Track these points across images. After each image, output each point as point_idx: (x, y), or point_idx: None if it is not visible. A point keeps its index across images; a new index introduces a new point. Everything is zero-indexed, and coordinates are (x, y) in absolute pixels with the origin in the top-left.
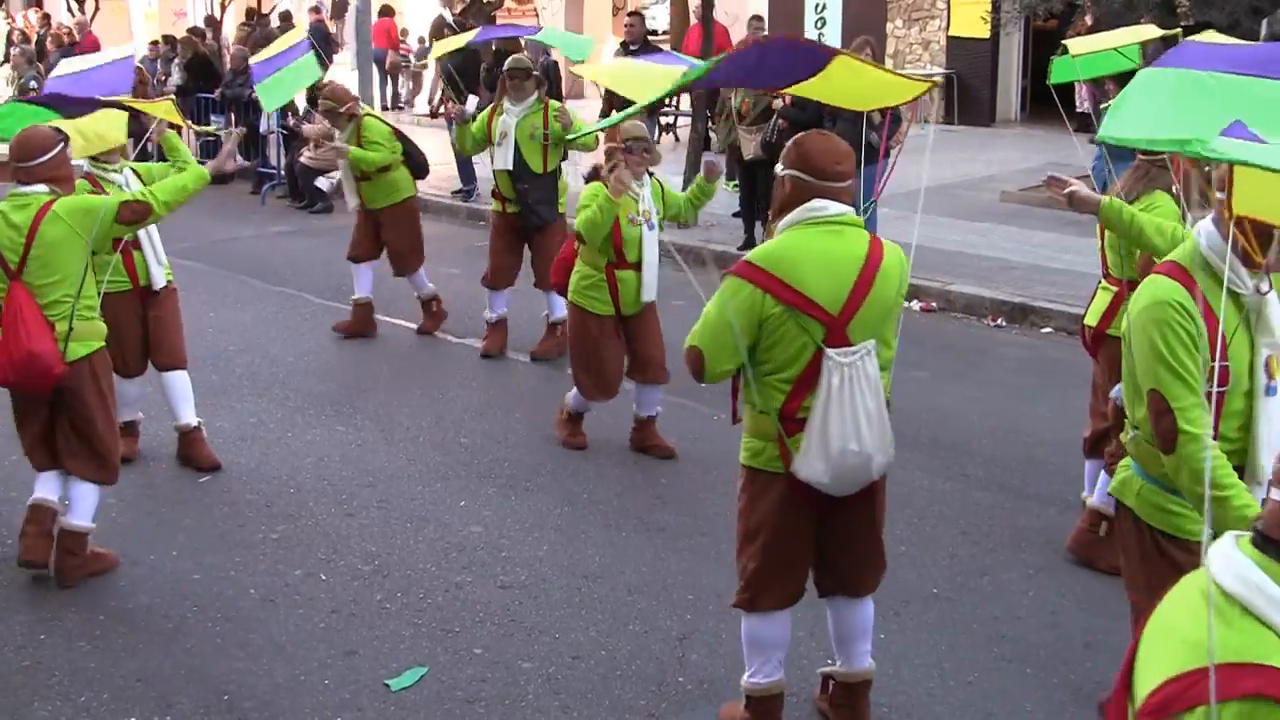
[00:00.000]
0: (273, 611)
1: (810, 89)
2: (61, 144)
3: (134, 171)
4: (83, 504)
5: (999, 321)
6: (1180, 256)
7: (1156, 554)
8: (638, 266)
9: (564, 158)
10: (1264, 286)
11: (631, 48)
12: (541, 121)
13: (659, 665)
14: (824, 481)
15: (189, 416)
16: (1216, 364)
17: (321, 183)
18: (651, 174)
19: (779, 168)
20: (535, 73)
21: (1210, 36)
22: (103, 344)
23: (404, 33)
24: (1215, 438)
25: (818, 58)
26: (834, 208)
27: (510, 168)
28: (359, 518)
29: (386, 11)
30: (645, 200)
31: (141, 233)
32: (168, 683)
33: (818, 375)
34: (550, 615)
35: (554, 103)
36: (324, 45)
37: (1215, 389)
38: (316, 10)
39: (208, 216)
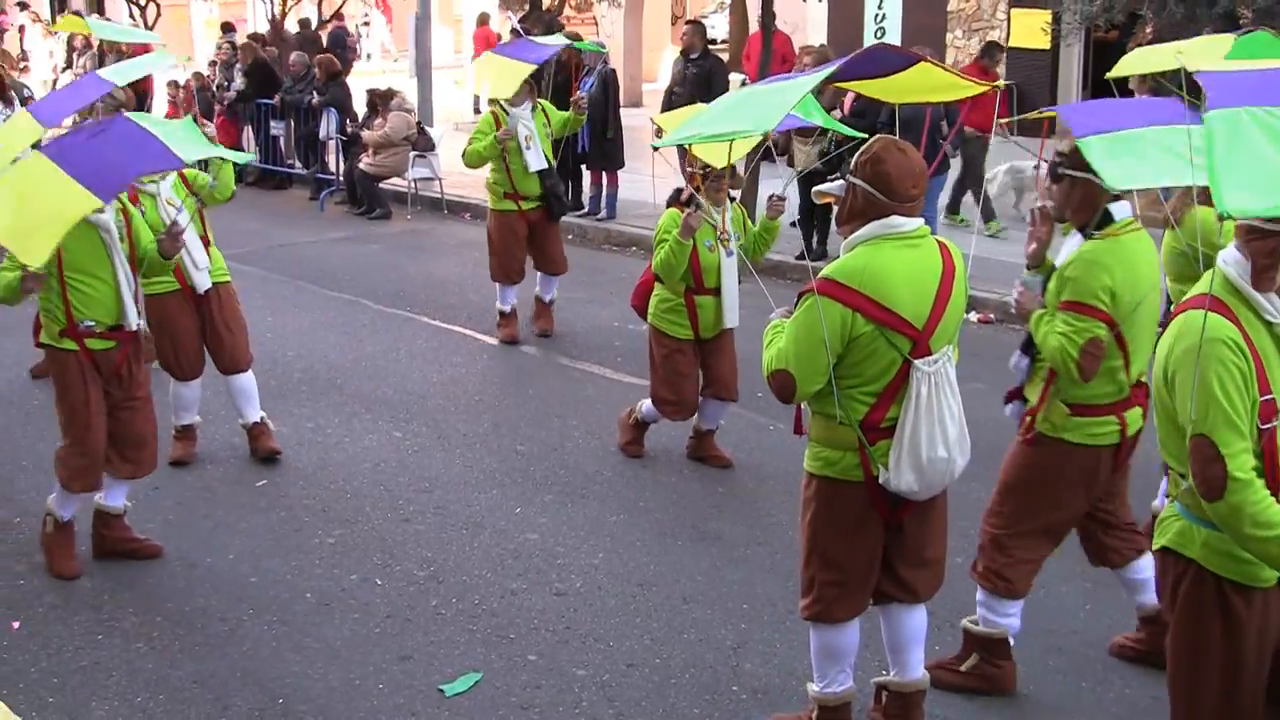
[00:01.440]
0: (328, 616)
1: (878, 86)
2: None
3: (182, 178)
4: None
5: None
6: (1214, 289)
7: (1217, 607)
8: (716, 292)
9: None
10: None
11: (691, 56)
12: (544, 119)
13: (713, 674)
14: (915, 490)
15: (254, 413)
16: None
17: None
18: (733, 199)
19: (851, 175)
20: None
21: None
22: (54, 345)
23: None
24: (1271, 472)
25: (906, 59)
26: (910, 224)
27: (545, 166)
28: (415, 523)
29: (483, 20)
30: (725, 225)
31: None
32: (224, 685)
33: (903, 386)
34: (605, 623)
35: (542, 100)
36: (341, 51)
37: (1264, 425)
38: (339, 17)
39: (266, 222)
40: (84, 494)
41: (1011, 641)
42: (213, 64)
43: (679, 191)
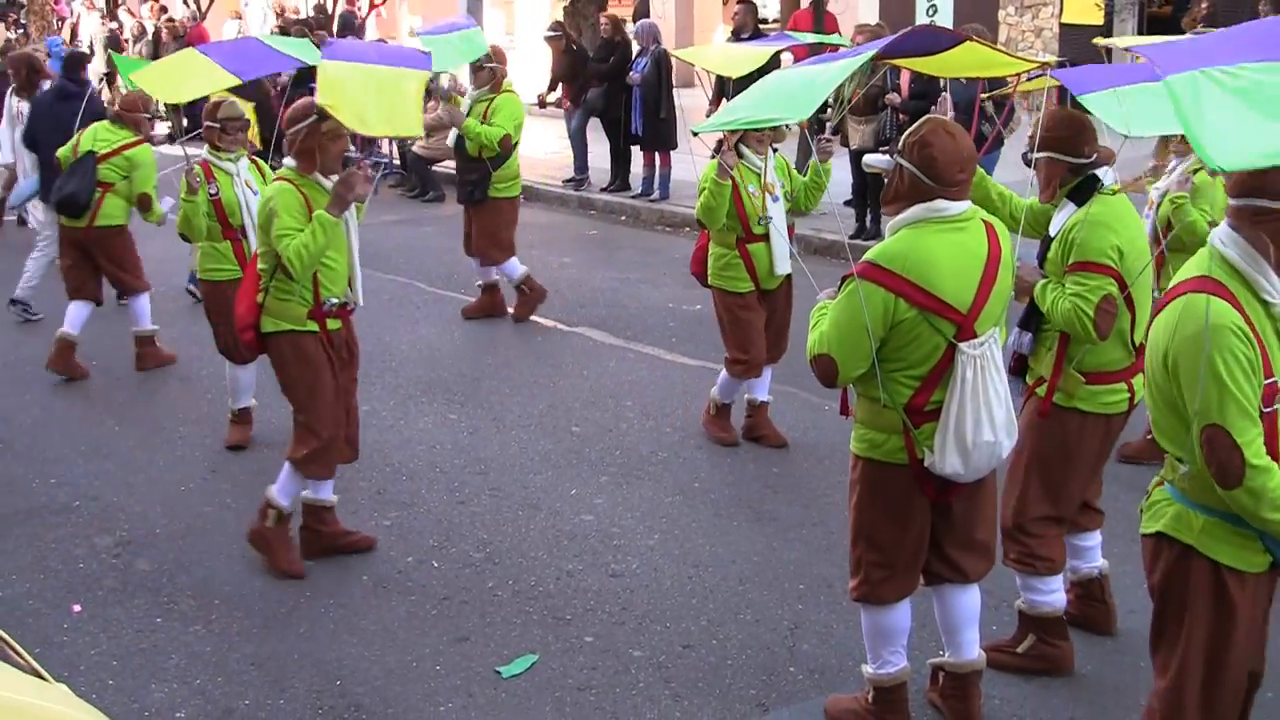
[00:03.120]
0: (385, 598)
1: (929, 63)
2: (310, 118)
3: (254, 163)
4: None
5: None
6: (1213, 270)
7: (1213, 592)
8: (766, 239)
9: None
10: None
11: (742, 36)
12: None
13: (770, 655)
14: (960, 473)
15: None
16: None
17: None
18: (776, 149)
19: (899, 155)
20: (489, 65)
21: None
22: (296, 328)
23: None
24: (1274, 455)
25: (952, 39)
26: (956, 207)
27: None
28: (471, 505)
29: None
30: (769, 174)
31: (246, 221)
32: (281, 667)
33: (948, 369)
34: (661, 604)
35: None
36: (349, 34)
37: (1266, 409)
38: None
39: None
40: (315, 479)
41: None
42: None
43: (720, 144)
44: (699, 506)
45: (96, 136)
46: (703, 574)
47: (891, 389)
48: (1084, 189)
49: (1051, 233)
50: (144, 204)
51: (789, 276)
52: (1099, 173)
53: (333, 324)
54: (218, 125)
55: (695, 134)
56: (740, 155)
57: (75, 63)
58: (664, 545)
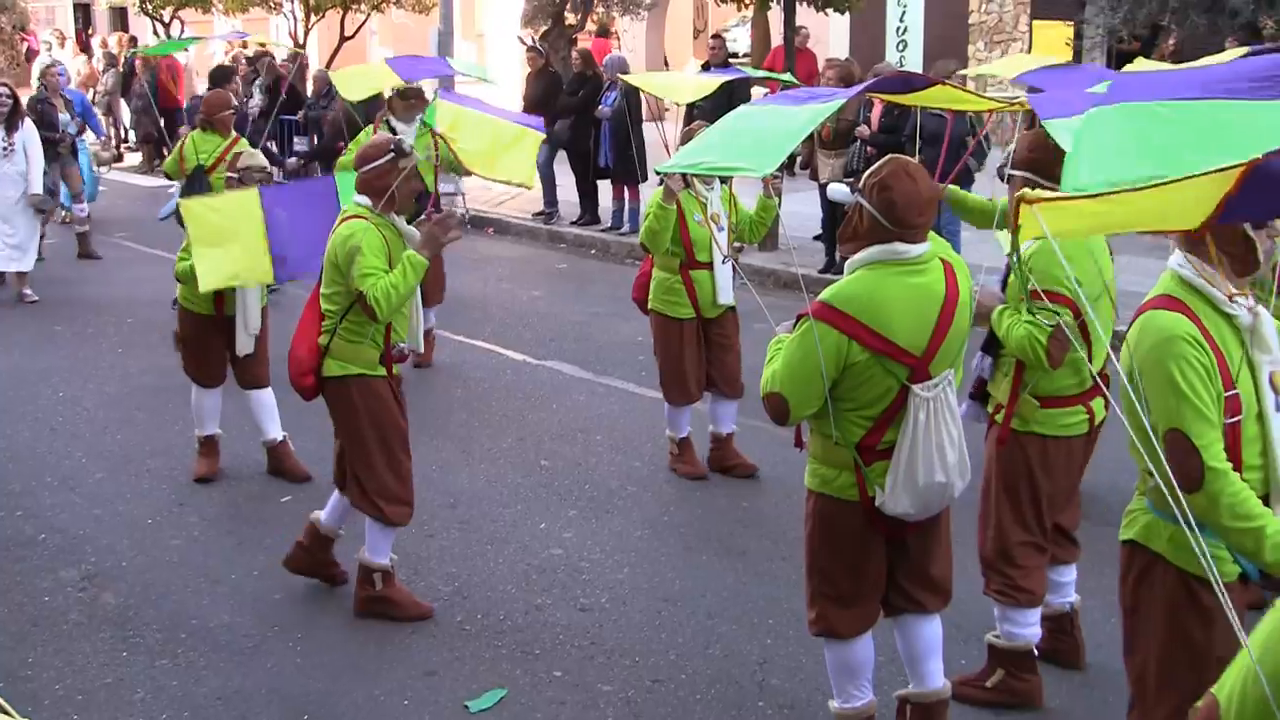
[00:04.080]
0: (353, 632)
1: (904, 97)
2: (388, 155)
3: None
4: (367, 534)
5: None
6: (1171, 290)
7: (1186, 601)
8: (710, 266)
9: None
10: (1253, 305)
11: (712, 70)
12: (431, 144)
13: (739, 690)
14: (910, 513)
15: (275, 431)
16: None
17: None
18: (725, 181)
19: (859, 194)
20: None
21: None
22: (367, 373)
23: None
24: (1238, 468)
25: (926, 81)
26: (913, 249)
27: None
28: (440, 538)
29: (603, 32)
30: (714, 204)
31: (238, 297)
32: (248, 702)
33: (900, 410)
34: (630, 638)
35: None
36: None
37: (1229, 420)
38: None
39: None
40: (400, 525)
41: (1036, 653)
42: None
43: (684, 176)
44: (668, 540)
45: (197, 149)
46: (672, 608)
47: (844, 427)
48: None
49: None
50: None
51: (734, 308)
52: None
53: (395, 369)
54: (237, 176)
55: (659, 173)
56: (687, 184)
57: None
58: (633, 579)
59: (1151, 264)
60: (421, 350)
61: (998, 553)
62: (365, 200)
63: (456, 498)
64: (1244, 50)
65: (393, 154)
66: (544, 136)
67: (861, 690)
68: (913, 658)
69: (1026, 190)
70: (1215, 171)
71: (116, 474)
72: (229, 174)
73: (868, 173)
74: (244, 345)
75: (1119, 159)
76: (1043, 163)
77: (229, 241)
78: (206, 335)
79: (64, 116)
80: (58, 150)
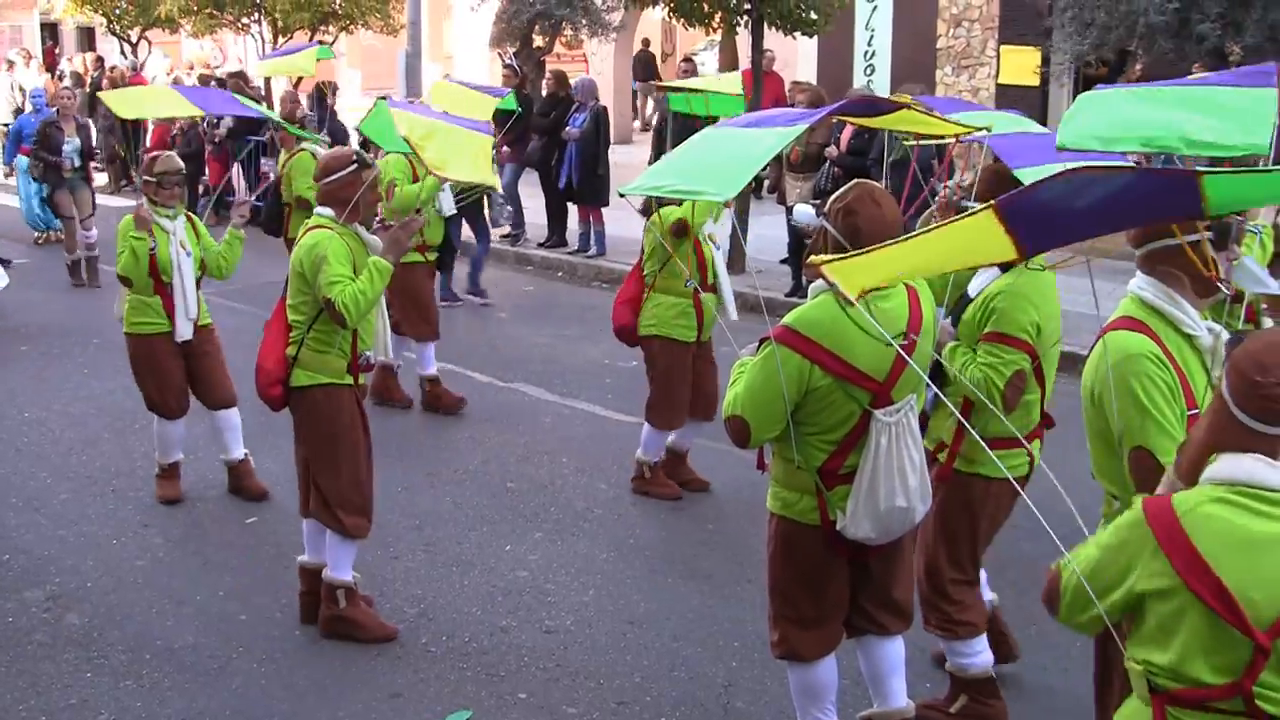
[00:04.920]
0: (318, 653)
1: (869, 120)
2: (350, 166)
3: (189, 220)
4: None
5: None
6: (1132, 311)
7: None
8: (714, 288)
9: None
10: (1215, 326)
11: None
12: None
13: (704, 712)
14: (871, 537)
15: (238, 451)
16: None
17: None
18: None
19: (824, 218)
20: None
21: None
22: (334, 382)
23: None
24: None
25: (891, 105)
26: None
27: (455, 211)
28: (405, 560)
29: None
30: (709, 224)
31: (175, 279)
32: None
33: (863, 434)
34: (595, 661)
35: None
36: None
37: None
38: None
39: (257, 259)
40: (360, 539)
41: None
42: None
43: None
44: (634, 563)
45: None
46: (637, 631)
47: (806, 451)
48: None
49: (971, 293)
50: (302, 205)
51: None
52: None
53: (361, 378)
54: (155, 179)
55: (622, 195)
56: (646, 211)
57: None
58: (598, 602)
59: (1107, 286)
60: (388, 358)
61: (932, 590)
62: (328, 211)
63: (422, 520)
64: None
65: (355, 165)
66: (492, 140)
67: (825, 714)
68: (876, 676)
69: (814, 258)
70: (978, 212)
71: (81, 495)
72: (146, 177)
73: (833, 197)
74: (183, 330)
75: (1112, 124)
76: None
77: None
78: (161, 359)
79: (71, 143)
80: (61, 175)
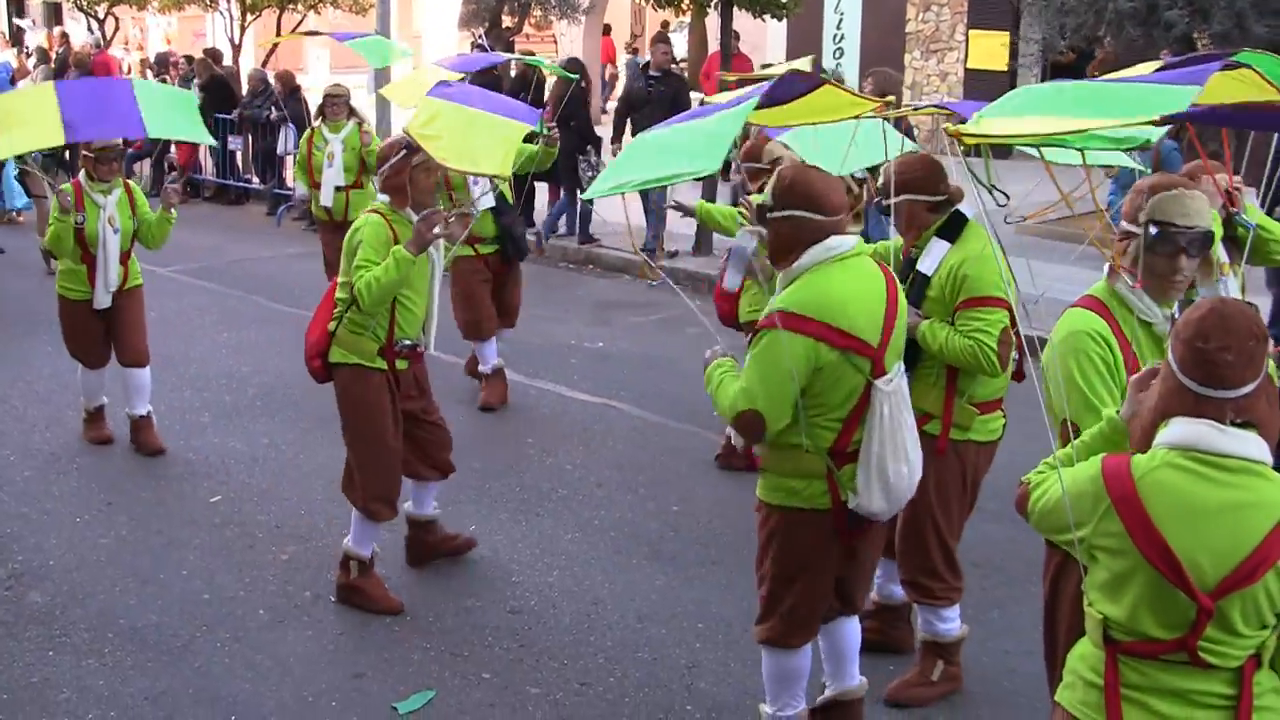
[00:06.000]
0: (282, 633)
1: (783, 113)
2: (401, 153)
3: (127, 190)
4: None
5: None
6: (1096, 291)
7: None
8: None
9: None
10: (1173, 313)
11: (653, 75)
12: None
13: (667, 693)
14: (884, 510)
15: (142, 408)
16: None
17: None
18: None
19: (771, 210)
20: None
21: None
22: (364, 364)
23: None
24: None
25: (809, 84)
26: (848, 242)
27: (495, 203)
28: None
29: (606, 30)
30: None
31: (99, 253)
32: (176, 702)
33: (865, 409)
34: (559, 641)
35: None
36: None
37: None
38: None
39: (223, 237)
40: (382, 520)
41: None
42: (161, 78)
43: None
44: (598, 544)
45: None
46: (601, 611)
47: (814, 434)
48: (953, 225)
49: (925, 271)
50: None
51: None
52: (963, 207)
53: (400, 364)
54: (93, 155)
55: (585, 201)
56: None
57: None
58: (562, 582)
59: (1084, 274)
60: (431, 349)
61: (921, 561)
62: (385, 198)
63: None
64: (1158, 64)
65: (405, 151)
66: (529, 128)
67: (798, 700)
68: (841, 656)
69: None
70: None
71: (45, 472)
72: (85, 152)
73: (768, 190)
74: (101, 300)
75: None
76: (921, 180)
77: (21, 121)
78: (82, 320)
79: None
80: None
